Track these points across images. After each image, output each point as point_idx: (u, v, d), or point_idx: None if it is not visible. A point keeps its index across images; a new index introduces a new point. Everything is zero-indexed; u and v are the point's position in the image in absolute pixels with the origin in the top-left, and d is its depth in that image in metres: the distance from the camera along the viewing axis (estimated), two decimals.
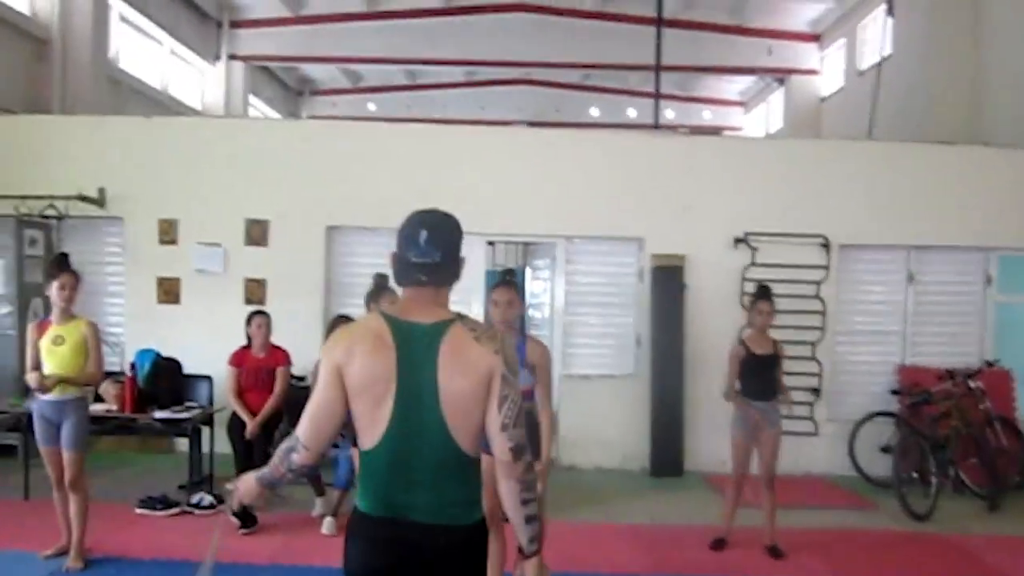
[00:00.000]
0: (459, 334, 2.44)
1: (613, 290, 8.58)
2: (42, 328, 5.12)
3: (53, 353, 5.03)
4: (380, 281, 5.61)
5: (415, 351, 2.42)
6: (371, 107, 22.72)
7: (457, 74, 21.51)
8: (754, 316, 5.95)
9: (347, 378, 2.43)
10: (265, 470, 2.60)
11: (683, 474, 8.28)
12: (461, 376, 2.41)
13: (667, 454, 8.31)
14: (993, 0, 11.63)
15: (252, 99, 18.88)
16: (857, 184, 8.50)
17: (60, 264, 5.20)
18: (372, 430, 2.43)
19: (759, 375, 5.86)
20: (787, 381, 7.89)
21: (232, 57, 17.59)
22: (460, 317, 2.51)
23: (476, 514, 2.50)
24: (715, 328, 8.34)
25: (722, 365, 8.23)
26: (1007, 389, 8.21)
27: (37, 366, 5.08)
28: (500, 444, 2.45)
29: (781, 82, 19.00)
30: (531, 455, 2.53)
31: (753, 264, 8.37)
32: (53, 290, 5.05)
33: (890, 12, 11.84)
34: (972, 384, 7.74)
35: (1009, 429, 7.76)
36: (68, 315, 5.12)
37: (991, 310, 8.64)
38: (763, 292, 5.98)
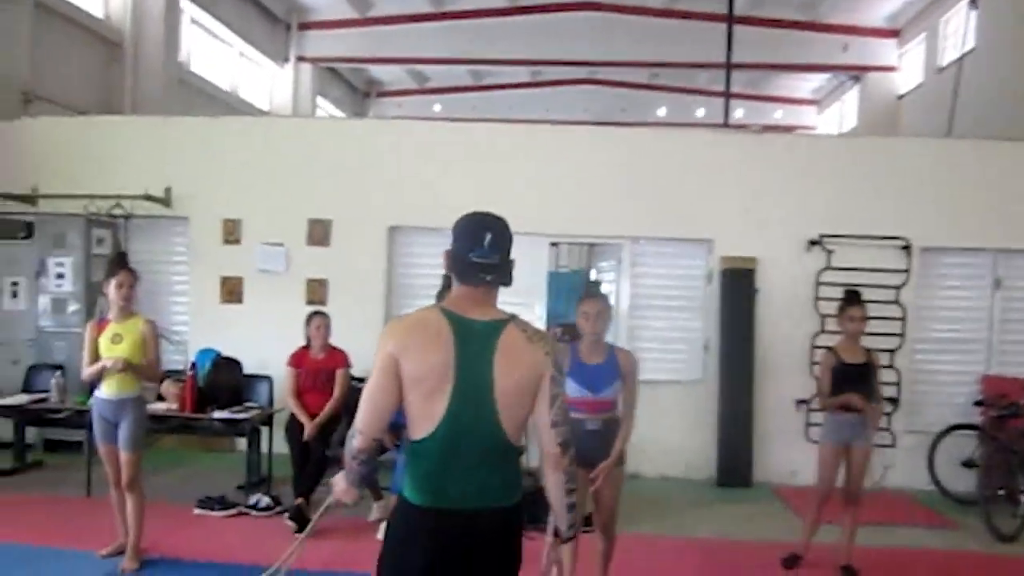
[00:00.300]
0: (514, 334, 2.59)
1: (681, 293, 8.30)
2: (101, 327, 5.11)
3: (112, 351, 5.01)
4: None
5: (474, 347, 2.54)
6: (436, 108, 22.76)
7: (522, 74, 21.42)
8: (845, 323, 5.50)
9: (403, 368, 2.52)
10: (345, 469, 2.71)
11: (751, 485, 7.97)
12: (515, 373, 2.55)
13: (734, 464, 8.01)
14: None
15: (319, 100, 19.06)
16: (940, 184, 8.07)
17: (118, 262, 5.20)
18: (425, 420, 2.53)
19: (850, 386, 5.40)
20: None
21: (300, 59, 17.78)
22: (513, 318, 2.65)
23: (516, 496, 2.64)
24: (787, 334, 8.03)
25: (793, 373, 8.06)
26: None
27: (94, 364, 5.07)
28: (550, 439, 2.64)
29: (857, 79, 18.42)
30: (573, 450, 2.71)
31: (829, 268, 8.00)
32: (111, 288, 5.04)
33: (973, 4, 11.27)
34: None
35: None
36: (127, 313, 5.10)
37: None
38: (853, 297, 5.56)
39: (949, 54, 14.76)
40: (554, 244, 8.95)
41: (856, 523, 5.57)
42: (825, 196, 8.13)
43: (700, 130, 10.49)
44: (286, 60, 17.61)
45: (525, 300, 8.38)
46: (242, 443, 8.14)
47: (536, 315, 8.44)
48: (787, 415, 8.07)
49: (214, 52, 15.33)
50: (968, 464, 7.71)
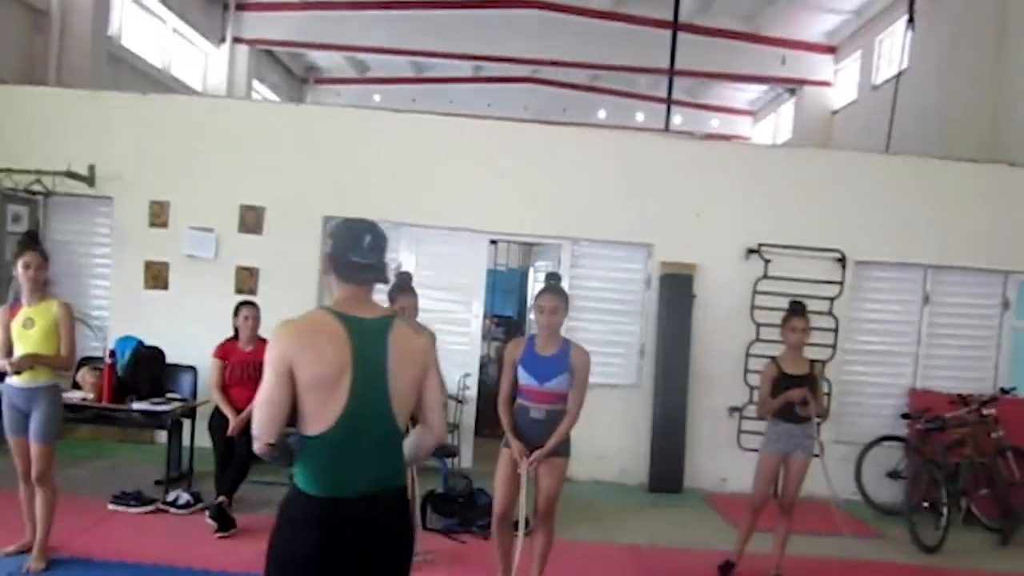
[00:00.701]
0: (401, 329, 2.81)
1: (619, 296, 8.26)
2: (13, 311, 4.78)
3: (24, 337, 4.69)
4: (403, 278, 5.24)
5: (368, 344, 2.70)
6: (376, 98, 22.37)
7: (464, 69, 21.19)
8: (787, 334, 5.52)
9: (298, 371, 2.63)
10: None
11: (682, 491, 7.98)
12: (408, 365, 2.77)
13: (667, 470, 8.00)
14: (1019, 16, 11.34)
15: (256, 84, 18.54)
16: (876, 199, 8.20)
17: (27, 242, 4.87)
18: (320, 418, 2.65)
19: None
20: None
21: (237, 40, 17.22)
22: (394, 314, 2.87)
23: (402, 480, 2.84)
24: (723, 341, 8.06)
25: (728, 380, 8.11)
26: (1022, 418, 7.91)
27: (8, 352, 4.75)
28: (439, 421, 2.93)
29: (792, 92, 18.68)
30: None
31: (766, 276, 8.06)
32: (19, 269, 4.72)
33: (911, 24, 11.51)
34: (986, 412, 7.44)
35: (1022, 460, 7.45)
36: (39, 296, 4.79)
37: (1007, 336, 8.34)
38: (797, 308, 5.58)
39: (884, 72, 15.09)
40: (493, 242, 8.80)
41: (789, 532, 5.61)
42: (765, 206, 8.18)
43: (644, 134, 10.44)
44: (222, 40, 17.05)
45: (464, 297, 8.28)
46: (162, 436, 7.83)
47: (474, 312, 8.31)
48: (719, 422, 8.11)
49: (147, 27, 14.75)
50: (893, 475, 7.88)
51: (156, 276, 8.11)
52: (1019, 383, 8.03)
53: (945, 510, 6.68)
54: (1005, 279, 8.34)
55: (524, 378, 4.64)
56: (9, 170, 7.75)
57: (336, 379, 2.63)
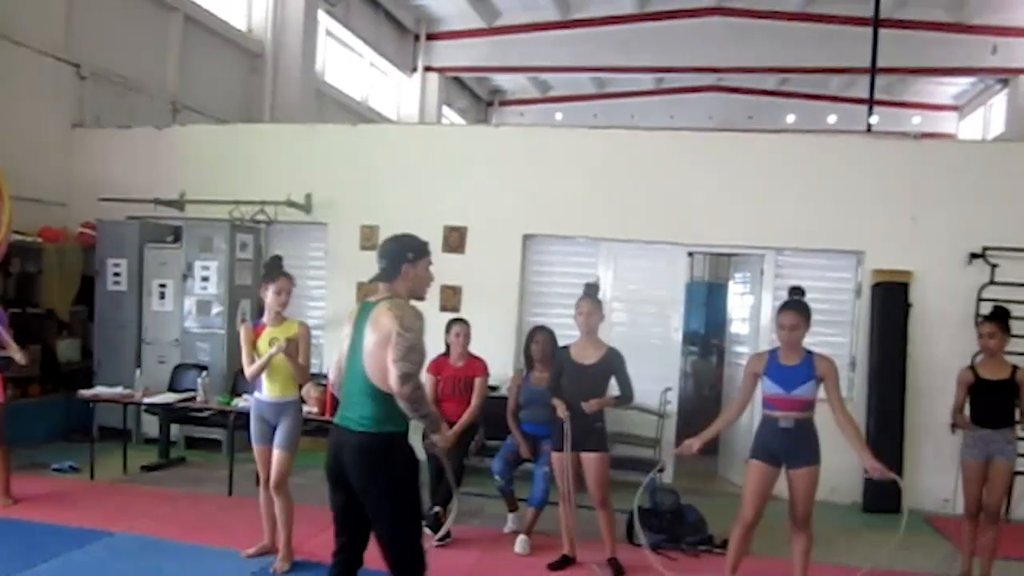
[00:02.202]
0: (382, 308, 3.70)
1: (826, 307, 7.86)
2: (257, 331, 5.19)
3: None
4: (588, 289, 5.57)
5: (361, 319, 3.77)
6: (558, 116, 22.65)
7: (646, 81, 21.11)
8: (979, 339, 5.55)
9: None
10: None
11: (899, 511, 7.50)
12: (374, 333, 3.65)
13: (883, 489, 7.49)
14: None
15: (445, 110, 19.27)
16: None
17: (276, 267, 5.26)
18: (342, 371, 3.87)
19: (989, 402, 5.43)
20: None
21: (428, 68, 18.00)
22: (389, 298, 3.78)
23: (374, 428, 3.67)
24: (943, 353, 7.51)
25: (950, 395, 7.51)
26: None
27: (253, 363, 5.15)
28: (393, 375, 3.55)
29: (1004, 83, 17.33)
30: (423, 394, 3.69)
31: (992, 283, 7.48)
32: (269, 294, 5.11)
33: None
34: None
35: None
36: (281, 318, 5.19)
37: None
38: (991, 314, 5.61)
39: None
40: (691, 254, 8.67)
41: (997, 541, 5.43)
42: (988, 206, 7.58)
43: (851, 136, 9.94)
44: (414, 70, 17.87)
45: (663, 311, 8.21)
46: None
47: (673, 326, 8.21)
48: (941, 439, 7.56)
49: (346, 63, 15.70)
50: None
51: (367, 297, 8.53)
52: None
53: None
54: None
55: (770, 388, 4.80)
56: (237, 202, 8.45)
57: (347, 343, 3.80)
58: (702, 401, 9.71)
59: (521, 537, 5.83)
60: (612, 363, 5.42)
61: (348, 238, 8.59)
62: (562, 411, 5.29)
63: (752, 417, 7.64)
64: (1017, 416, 5.43)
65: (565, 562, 5.49)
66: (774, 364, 4.83)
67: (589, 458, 5.34)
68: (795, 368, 4.76)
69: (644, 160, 8.23)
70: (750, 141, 8.67)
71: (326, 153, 8.76)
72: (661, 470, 7.04)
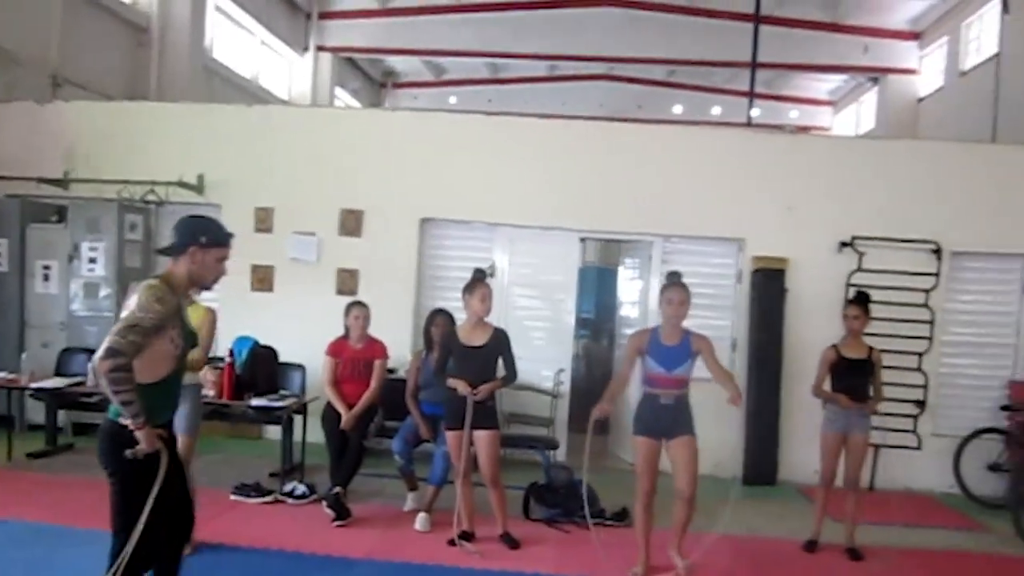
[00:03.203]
0: (141, 285, 3.45)
1: (710, 292, 8.29)
2: None
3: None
4: (477, 275, 5.74)
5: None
6: (452, 100, 22.74)
7: (539, 68, 21.38)
8: (844, 321, 6.03)
9: None
10: None
11: (776, 484, 8.02)
12: (126, 311, 3.41)
13: (761, 463, 8.05)
14: None
15: (338, 91, 19.05)
16: (973, 188, 8.08)
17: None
18: None
19: (848, 379, 5.92)
20: (891, 393, 7.66)
21: (320, 48, 17.77)
22: (156, 276, 3.56)
23: (119, 415, 3.34)
24: (816, 335, 7.92)
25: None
26: None
27: None
28: (103, 344, 3.21)
29: (875, 81, 18.41)
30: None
31: (859, 270, 8.03)
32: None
33: (1006, 8, 11.26)
34: None
35: None
36: (190, 300, 5.15)
37: None
38: (855, 298, 6.12)
39: (972, 59, 14.76)
40: (583, 240, 8.95)
41: (859, 508, 5.95)
42: (858, 198, 8.14)
43: (733, 129, 10.45)
44: (306, 49, 17.62)
45: (556, 295, 8.46)
46: (269, 431, 8.22)
47: (566, 309, 8.48)
48: (813, 416, 8.02)
49: (236, 40, 15.33)
50: (994, 468, 7.77)
51: (262, 279, 8.50)
52: None
53: None
54: None
55: (652, 367, 5.08)
56: (126, 181, 8.22)
57: None
58: (593, 383, 10.02)
59: (422, 515, 5.97)
60: (500, 344, 5.61)
61: (242, 220, 8.44)
62: (463, 389, 5.44)
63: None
64: (871, 392, 5.96)
65: (464, 538, 5.66)
66: (656, 343, 5.10)
67: (481, 436, 5.53)
68: (675, 348, 5.07)
69: (538, 147, 8.43)
70: (640, 131, 9.03)
71: (220, 133, 8.61)
72: (555, 447, 7.29)
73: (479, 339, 5.59)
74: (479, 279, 5.67)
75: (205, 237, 3.58)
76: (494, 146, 8.43)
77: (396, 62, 21.62)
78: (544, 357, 8.30)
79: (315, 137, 8.57)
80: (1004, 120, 11.16)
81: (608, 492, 6.60)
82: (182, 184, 8.31)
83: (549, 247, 8.44)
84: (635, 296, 8.93)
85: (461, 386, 5.47)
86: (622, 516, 6.33)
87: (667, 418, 5.09)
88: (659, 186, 8.27)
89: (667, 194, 8.26)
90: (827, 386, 6.02)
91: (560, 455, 8.11)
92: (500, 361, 5.64)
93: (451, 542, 5.59)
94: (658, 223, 8.30)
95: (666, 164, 8.32)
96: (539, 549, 5.70)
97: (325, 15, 17.65)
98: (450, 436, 5.63)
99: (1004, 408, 7.88)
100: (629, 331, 8.75)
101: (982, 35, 14.49)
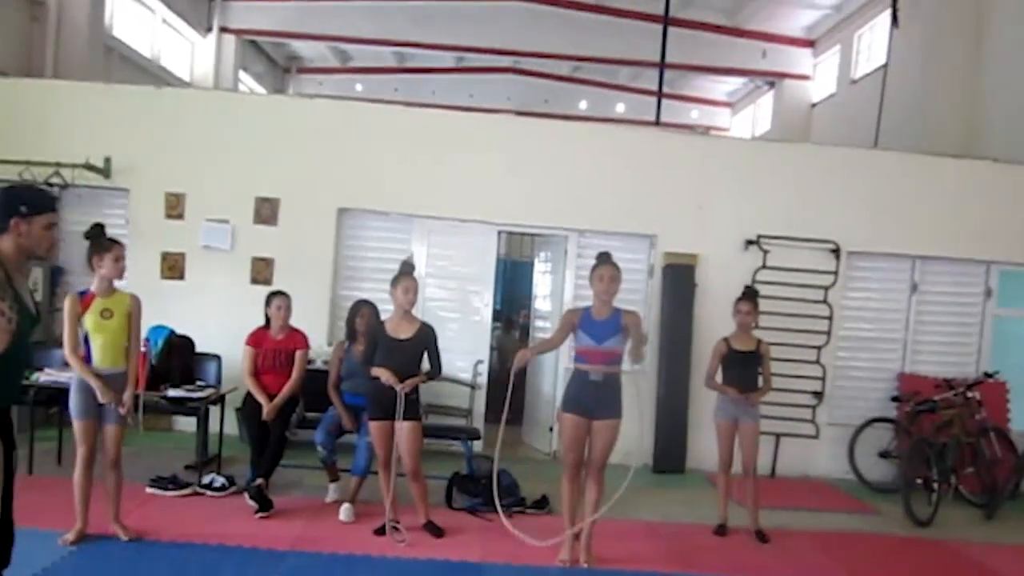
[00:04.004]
0: None
1: (623, 286, 8.42)
2: (85, 301, 4.97)
3: (103, 327, 4.94)
4: (404, 267, 5.79)
5: None
6: (358, 87, 22.49)
7: (446, 59, 21.37)
8: (735, 315, 6.38)
9: None
10: None
11: (685, 472, 8.34)
12: None
13: (670, 451, 8.35)
14: (995, 15, 11.81)
15: (241, 74, 18.57)
16: (867, 192, 8.57)
17: (104, 235, 5.07)
18: None
19: (738, 370, 6.28)
20: (791, 384, 8.10)
21: (224, 30, 17.29)
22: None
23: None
24: (723, 329, 8.20)
25: None
26: (1001, 401, 8.39)
27: (84, 341, 4.97)
28: None
29: (772, 85, 19.13)
30: None
31: (764, 267, 8.42)
32: (107, 262, 4.93)
33: (895, 22, 11.91)
34: (970, 394, 7.89)
35: (1003, 440, 7.90)
36: (112, 288, 5.02)
37: (989, 323, 8.78)
38: (744, 293, 6.46)
39: (862, 67, 15.55)
40: (500, 233, 9.04)
41: (759, 492, 6.30)
42: (763, 198, 8.51)
43: (646, 128, 10.73)
44: (209, 30, 17.10)
45: (474, 287, 8.54)
46: (181, 422, 8.04)
47: (484, 301, 8.58)
48: None
49: (137, 17, 14.77)
50: (885, 455, 8.29)
51: (172, 267, 8.27)
52: (1000, 367, 8.45)
53: (936, 487, 7.10)
54: (987, 269, 8.77)
55: (583, 340, 5.23)
56: (28, 163, 7.87)
57: None
58: (506, 375, 10.13)
59: (346, 505, 5.97)
60: (426, 338, 5.68)
61: (152, 205, 8.24)
62: (389, 379, 5.47)
63: (556, 385, 8.25)
64: (760, 383, 6.33)
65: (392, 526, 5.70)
66: (588, 319, 5.28)
67: (404, 427, 5.56)
68: (605, 322, 5.24)
69: (457, 140, 8.48)
70: (555, 127, 9.20)
71: (128, 115, 8.31)
72: (476, 438, 7.37)
73: (405, 332, 5.63)
74: (406, 272, 5.70)
75: (25, 207, 3.34)
76: (412, 137, 8.42)
77: (301, 47, 21.22)
78: (462, 348, 8.38)
79: (228, 123, 8.38)
80: (887, 128, 11.81)
81: (526, 481, 6.76)
82: (89, 167, 8.00)
83: (467, 239, 8.52)
84: (548, 289, 9.09)
85: (385, 375, 5.49)
86: (542, 504, 6.49)
87: (595, 396, 5.22)
88: (574, 181, 8.44)
89: (582, 190, 8.44)
90: (719, 377, 6.36)
91: (477, 446, 8.23)
92: (425, 355, 5.70)
93: (380, 531, 5.62)
94: (573, 218, 8.48)
95: (581, 160, 8.50)
96: (464, 538, 5.80)
97: None
98: (374, 426, 5.65)
99: (894, 399, 8.42)
100: (542, 323, 9.00)
101: (872, 45, 15.28)
